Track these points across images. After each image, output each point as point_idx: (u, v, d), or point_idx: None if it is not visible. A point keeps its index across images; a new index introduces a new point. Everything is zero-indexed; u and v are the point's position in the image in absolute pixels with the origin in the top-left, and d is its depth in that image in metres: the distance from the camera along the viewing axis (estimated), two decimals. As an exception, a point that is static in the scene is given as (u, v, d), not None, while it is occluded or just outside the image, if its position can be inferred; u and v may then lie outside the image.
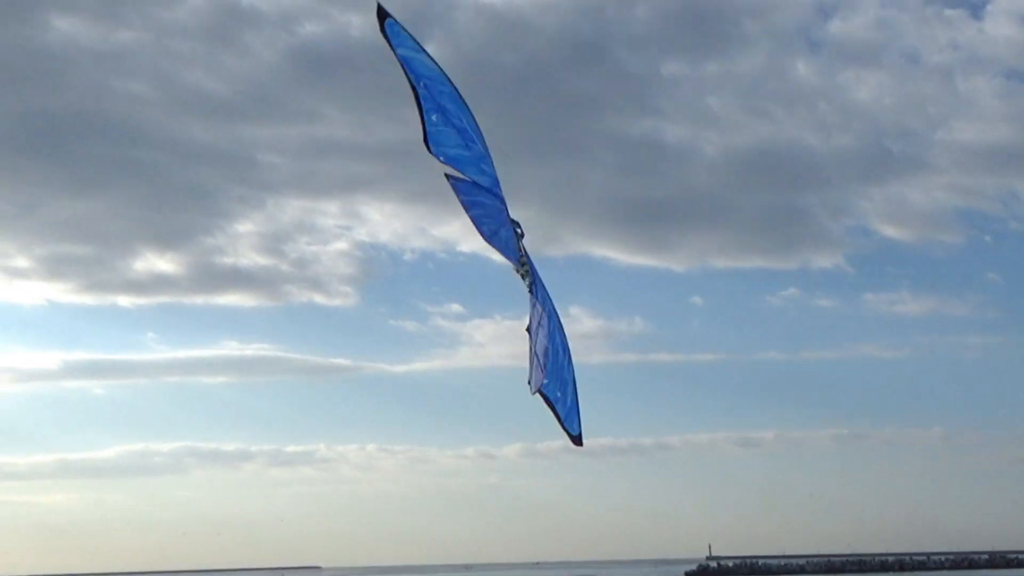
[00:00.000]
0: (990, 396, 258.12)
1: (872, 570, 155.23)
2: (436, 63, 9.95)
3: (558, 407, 10.73)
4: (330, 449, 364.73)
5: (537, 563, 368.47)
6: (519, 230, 10.47)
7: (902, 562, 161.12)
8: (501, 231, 10.43)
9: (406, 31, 9.79)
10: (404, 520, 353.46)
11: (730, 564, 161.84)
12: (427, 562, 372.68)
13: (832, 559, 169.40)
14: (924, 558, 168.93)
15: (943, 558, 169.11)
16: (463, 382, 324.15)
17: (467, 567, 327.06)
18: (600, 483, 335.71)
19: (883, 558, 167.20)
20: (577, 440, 10.84)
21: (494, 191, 10.29)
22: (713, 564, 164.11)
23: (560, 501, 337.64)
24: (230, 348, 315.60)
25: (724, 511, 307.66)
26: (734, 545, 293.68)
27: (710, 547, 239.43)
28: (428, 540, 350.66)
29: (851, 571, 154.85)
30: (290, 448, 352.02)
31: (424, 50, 9.85)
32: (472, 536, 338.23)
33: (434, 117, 9.92)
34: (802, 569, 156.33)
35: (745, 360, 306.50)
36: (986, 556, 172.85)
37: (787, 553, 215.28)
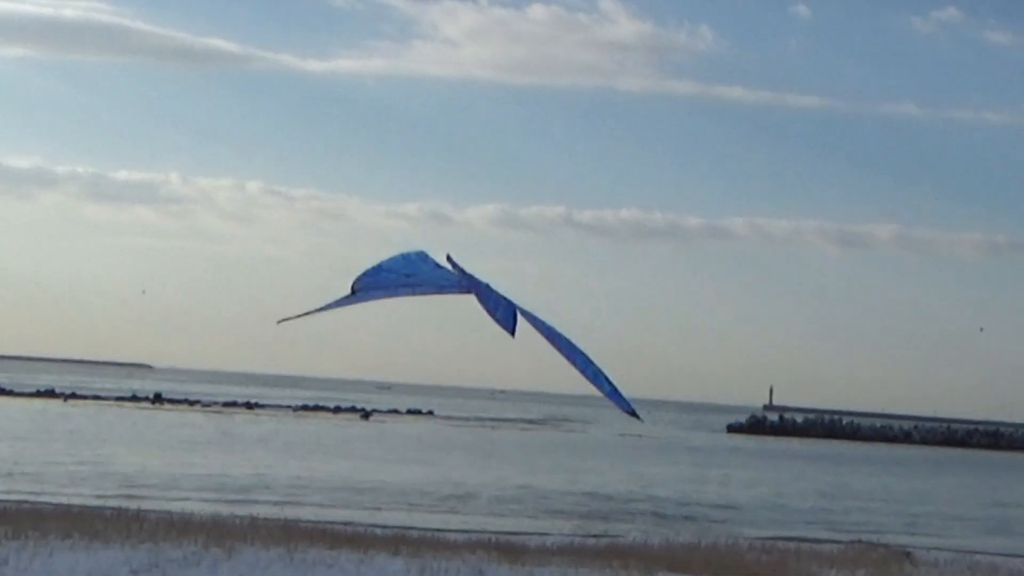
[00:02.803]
0: None
1: (1018, 447, 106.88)
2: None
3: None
4: (187, 183, 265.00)
5: (502, 391, 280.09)
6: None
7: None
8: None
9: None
10: (296, 306, 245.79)
11: (798, 419, 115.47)
12: (327, 374, 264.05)
13: (954, 426, 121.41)
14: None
15: None
16: (414, 97, 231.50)
17: (386, 387, 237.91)
18: (614, 276, 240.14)
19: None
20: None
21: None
22: (773, 417, 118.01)
23: (548, 296, 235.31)
24: (35, 2, 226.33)
25: (800, 340, 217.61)
26: (807, 392, 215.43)
27: (771, 391, 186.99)
28: (333, 343, 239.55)
29: (981, 446, 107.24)
30: (120, 174, 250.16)
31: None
32: (400, 343, 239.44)
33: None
34: (907, 436, 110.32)
35: (865, 112, 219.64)
36: None
37: (888, 412, 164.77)
